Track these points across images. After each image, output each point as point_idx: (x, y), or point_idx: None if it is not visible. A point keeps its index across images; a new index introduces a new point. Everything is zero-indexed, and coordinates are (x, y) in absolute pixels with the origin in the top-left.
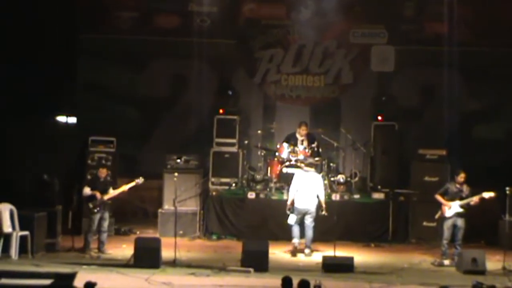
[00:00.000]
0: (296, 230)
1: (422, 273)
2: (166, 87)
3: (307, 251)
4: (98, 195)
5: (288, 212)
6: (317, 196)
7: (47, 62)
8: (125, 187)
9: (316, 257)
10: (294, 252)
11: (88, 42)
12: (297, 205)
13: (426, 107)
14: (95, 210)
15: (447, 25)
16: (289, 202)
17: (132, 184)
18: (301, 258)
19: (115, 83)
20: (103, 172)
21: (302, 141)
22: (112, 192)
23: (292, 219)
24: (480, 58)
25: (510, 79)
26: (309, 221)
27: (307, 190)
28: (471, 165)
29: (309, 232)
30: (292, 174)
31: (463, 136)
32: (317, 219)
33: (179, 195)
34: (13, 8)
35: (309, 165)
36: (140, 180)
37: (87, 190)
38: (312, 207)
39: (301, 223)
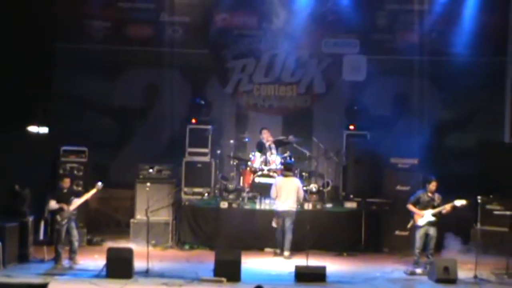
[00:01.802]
0: (279, 238)
1: (395, 282)
2: (139, 96)
3: (286, 253)
4: (65, 207)
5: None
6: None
7: (20, 71)
8: (87, 195)
9: (289, 267)
10: (275, 254)
11: (61, 52)
12: (278, 209)
13: (398, 116)
14: (63, 223)
15: (419, 34)
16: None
17: (94, 191)
18: (274, 267)
19: (87, 92)
20: (66, 182)
21: (270, 146)
22: (76, 202)
23: (275, 222)
24: (452, 67)
25: (482, 88)
26: (288, 223)
27: (286, 194)
28: (443, 174)
29: (289, 235)
30: (265, 184)
31: (435, 145)
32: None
33: (151, 205)
34: None
35: (287, 168)
36: (99, 186)
37: (53, 204)
38: (292, 210)
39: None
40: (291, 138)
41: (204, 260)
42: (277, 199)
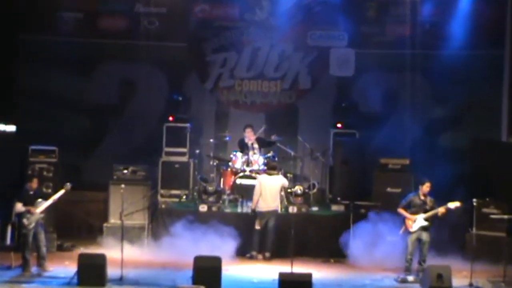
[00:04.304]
0: (256, 240)
1: None
2: (113, 92)
3: (267, 254)
4: (31, 209)
5: (251, 213)
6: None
7: None
8: (54, 197)
9: (272, 274)
10: (251, 257)
11: (28, 44)
12: (260, 209)
13: (388, 114)
14: (30, 227)
15: (411, 26)
16: (253, 206)
17: (62, 192)
18: (257, 274)
19: (57, 88)
20: (34, 183)
21: (252, 144)
22: (43, 204)
23: (258, 224)
24: (445, 61)
25: (477, 83)
26: (271, 224)
27: (270, 194)
28: (436, 175)
29: (271, 236)
30: (247, 186)
31: (427, 145)
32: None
33: (126, 208)
34: None
35: (272, 166)
36: (68, 186)
37: (19, 207)
38: (276, 210)
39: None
40: (274, 137)
41: (182, 267)
42: (261, 198)
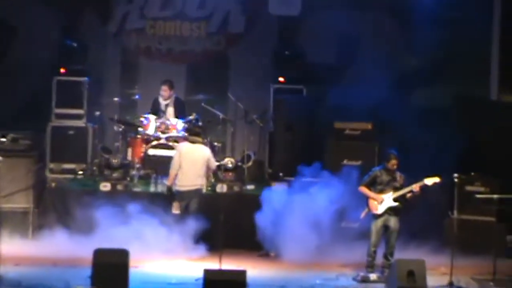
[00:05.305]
0: None
1: None
2: None
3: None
4: None
5: (167, 192)
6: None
7: None
8: None
9: (196, 271)
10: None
11: None
12: (179, 187)
13: (345, 65)
14: None
15: None
16: (168, 183)
17: None
18: (176, 271)
19: None
20: None
21: (167, 106)
22: None
23: (176, 207)
24: None
25: (460, 28)
26: (194, 207)
27: (193, 168)
28: (407, 144)
29: (195, 222)
30: (162, 157)
31: (396, 104)
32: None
33: (4, 188)
34: None
35: (194, 133)
36: None
37: None
38: (199, 189)
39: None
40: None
41: (78, 264)
42: (180, 173)
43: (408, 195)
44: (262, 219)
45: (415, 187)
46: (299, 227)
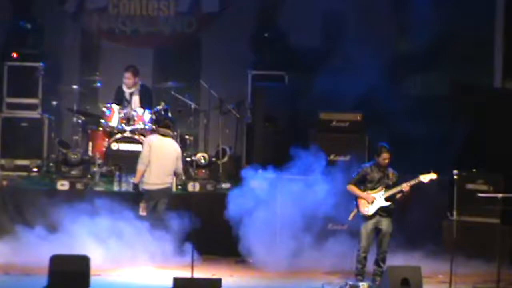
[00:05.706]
0: None
1: None
2: None
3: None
4: None
5: (133, 190)
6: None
7: None
8: None
9: (166, 279)
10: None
11: None
12: (147, 186)
13: (331, 49)
14: None
15: None
16: (136, 180)
17: None
18: (144, 280)
19: None
20: None
21: (131, 95)
22: None
23: (143, 208)
24: None
25: (462, 8)
26: (162, 208)
27: (164, 164)
28: (401, 137)
29: (165, 224)
30: (126, 152)
31: (389, 93)
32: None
33: None
34: None
35: (164, 125)
36: None
37: None
38: (168, 188)
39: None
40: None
41: (33, 272)
42: (148, 169)
43: (398, 195)
44: (237, 221)
45: (409, 185)
46: (281, 230)
